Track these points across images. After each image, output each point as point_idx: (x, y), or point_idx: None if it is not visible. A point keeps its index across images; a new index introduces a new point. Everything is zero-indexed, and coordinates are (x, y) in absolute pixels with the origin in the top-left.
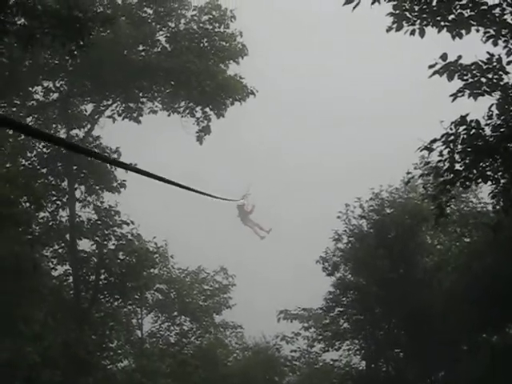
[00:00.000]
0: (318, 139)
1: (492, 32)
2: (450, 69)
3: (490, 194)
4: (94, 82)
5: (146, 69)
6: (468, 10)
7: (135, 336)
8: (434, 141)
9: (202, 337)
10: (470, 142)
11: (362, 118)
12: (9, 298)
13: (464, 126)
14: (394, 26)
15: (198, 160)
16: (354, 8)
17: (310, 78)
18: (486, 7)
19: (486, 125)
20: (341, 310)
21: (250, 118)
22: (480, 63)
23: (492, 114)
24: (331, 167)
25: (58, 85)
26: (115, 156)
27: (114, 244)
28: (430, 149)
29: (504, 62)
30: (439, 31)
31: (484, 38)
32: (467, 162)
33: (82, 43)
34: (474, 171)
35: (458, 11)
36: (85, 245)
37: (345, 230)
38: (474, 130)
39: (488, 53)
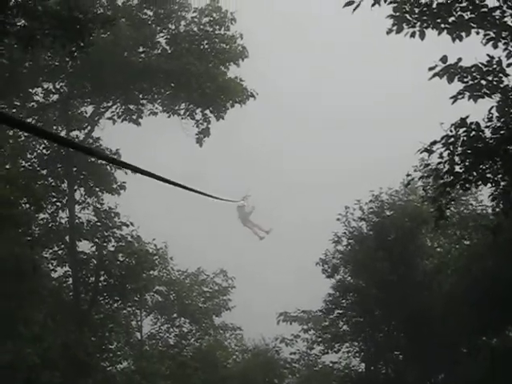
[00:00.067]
0: (319, 142)
1: (492, 34)
2: (450, 71)
3: (489, 196)
4: (94, 83)
5: (146, 70)
6: (468, 13)
7: (135, 338)
8: (434, 143)
9: (202, 339)
10: (470, 144)
11: (363, 121)
12: (8, 299)
13: (464, 128)
14: (395, 28)
15: (199, 162)
16: (354, 10)
17: (311, 81)
18: (486, 10)
19: (486, 127)
20: (340, 312)
21: (251, 121)
22: (480, 65)
23: (492, 116)
24: (332, 170)
25: (58, 86)
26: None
27: (113, 246)
28: (429, 151)
29: (504, 65)
30: (439, 33)
31: (484, 41)
32: (467, 164)
33: (82, 44)
34: (474, 173)
35: (458, 13)
36: (84, 246)
37: (344, 232)
38: (474, 132)
39: (488, 55)
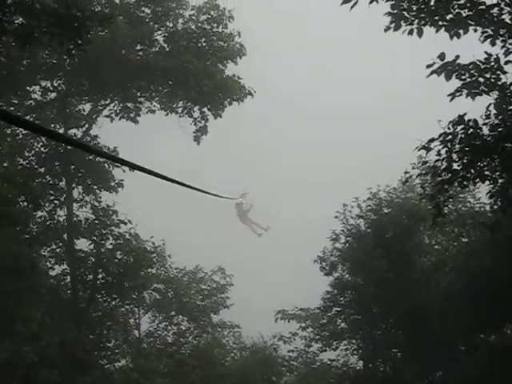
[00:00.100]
0: (317, 139)
1: (490, 32)
2: (448, 68)
3: (487, 193)
4: (91, 81)
5: (143, 68)
6: (466, 10)
7: (133, 336)
8: (432, 140)
9: (200, 336)
10: (468, 142)
11: (361, 118)
12: (6, 297)
13: (462, 126)
14: (392, 25)
15: (197, 160)
16: (351, 7)
17: (308, 79)
18: (483, 7)
19: (484, 124)
20: (338, 309)
21: (249, 118)
22: (478, 63)
23: (490, 114)
24: (330, 167)
25: (55, 84)
26: None
27: (111, 243)
28: (427, 148)
29: (502, 62)
30: (437, 31)
31: (482, 38)
32: (465, 161)
33: (80, 42)
34: (472, 171)
35: (456, 11)
36: (82, 244)
37: (342, 230)
38: (471, 130)
39: (486, 52)
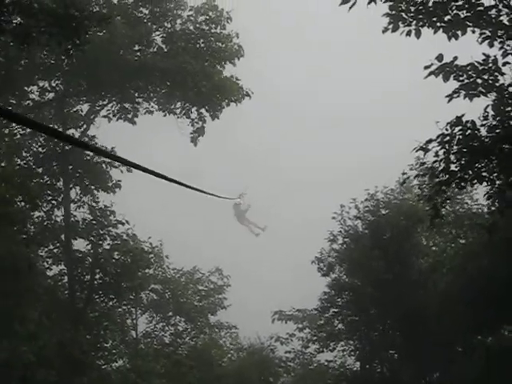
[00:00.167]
0: (315, 140)
1: (488, 33)
2: (446, 70)
3: (485, 195)
4: (89, 81)
5: (141, 69)
6: (464, 11)
7: (130, 336)
8: (430, 141)
9: (197, 337)
10: (466, 143)
11: (359, 119)
12: (4, 297)
13: (460, 127)
14: (390, 26)
15: (195, 161)
16: (350, 8)
17: (307, 79)
18: (482, 8)
19: (482, 125)
20: (336, 310)
21: (247, 119)
22: (476, 64)
23: (488, 115)
24: (328, 168)
25: (53, 84)
26: None
27: (109, 244)
28: (425, 149)
29: (500, 63)
30: (435, 32)
31: (480, 39)
32: (463, 162)
33: (78, 42)
34: (470, 172)
35: (454, 12)
36: (80, 245)
37: (340, 231)
38: (469, 131)
39: (484, 54)
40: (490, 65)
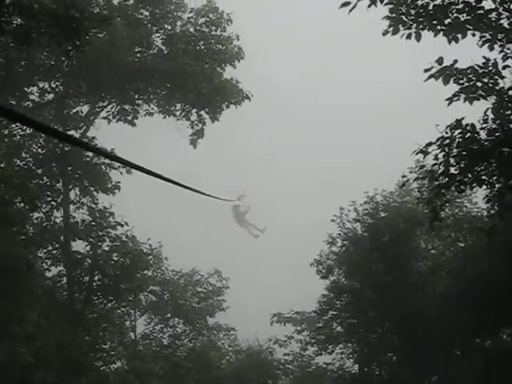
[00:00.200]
0: (315, 142)
1: (488, 36)
2: (446, 73)
3: (484, 198)
4: (89, 83)
5: (141, 70)
6: (464, 15)
7: (128, 338)
8: (430, 144)
9: (195, 339)
10: (466, 146)
11: (359, 120)
12: (3, 298)
13: (459, 130)
14: (391, 29)
15: (195, 163)
16: (350, 11)
17: (304, 80)
18: (482, 12)
19: (482, 129)
20: (334, 313)
21: (246, 120)
22: (476, 67)
23: (487, 118)
24: (329, 170)
25: (53, 85)
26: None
27: (108, 245)
28: (425, 152)
29: (500, 67)
30: (435, 35)
31: (480, 43)
32: (462, 165)
33: (78, 43)
34: (469, 175)
35: (455, 15)
36: (79, 246)
37: (339, 234)
38: (469, 134)
39: (484, 57)
40: (490, 68)
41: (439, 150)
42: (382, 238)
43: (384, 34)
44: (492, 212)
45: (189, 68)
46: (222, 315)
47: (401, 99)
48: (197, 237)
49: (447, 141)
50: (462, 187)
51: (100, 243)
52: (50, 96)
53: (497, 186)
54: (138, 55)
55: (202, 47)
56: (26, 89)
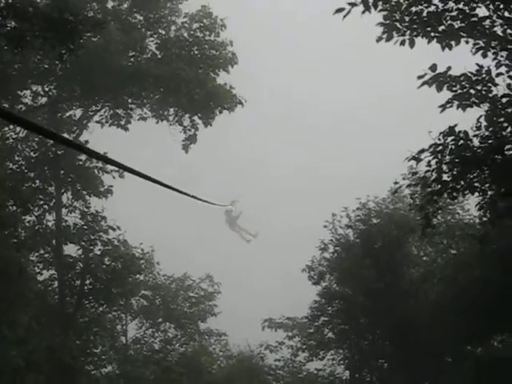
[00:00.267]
0: (307, 147)
1: (482, 44)
2: (439, 80)
3: (476, 205)
4: (83, 87)
5: (135, 75)
6: (458, 22)
7: (119, 342)
8: (422, 151)
9: (187, 344)
10: (458, 153)
11: (352, 126)
12: None
13: (452, 137)
14: (385, 36)
15: (187, 168)
16: (344, 17)
17: (302, 85)
18: (476, 19)
19: (475, 136)
20: (326, 319)
21: (239, 126)
22: (469, 74)
23: (480, 125)
24: (321, 176)
25: (46, 89)
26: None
27: (99, 249)
28: (417, 159)
29: (493, 74)
30: (429, 42)
31: (473, 50)
32: (455, 172)
33: (72, 47)
34: (462, 182)
35: (448, 22)
36: (71, 250)
37: (331, 240)
38: (462, 141)
39: (477, 64)
40: (484, 75)
41: (432, 157)
42: (374, 244)
43: (378, 41)
44: (484, 219)
45: (182, 73)
46: (213, 320)
47: (396, 104)
48: (189, 241)
49: (440, 147)
50: (454, 194)
51: (92, 247)
52: (44, 99)
53: (489, 193)
54: (132, 59)
55: (196, 52)
56: (19, 92)
